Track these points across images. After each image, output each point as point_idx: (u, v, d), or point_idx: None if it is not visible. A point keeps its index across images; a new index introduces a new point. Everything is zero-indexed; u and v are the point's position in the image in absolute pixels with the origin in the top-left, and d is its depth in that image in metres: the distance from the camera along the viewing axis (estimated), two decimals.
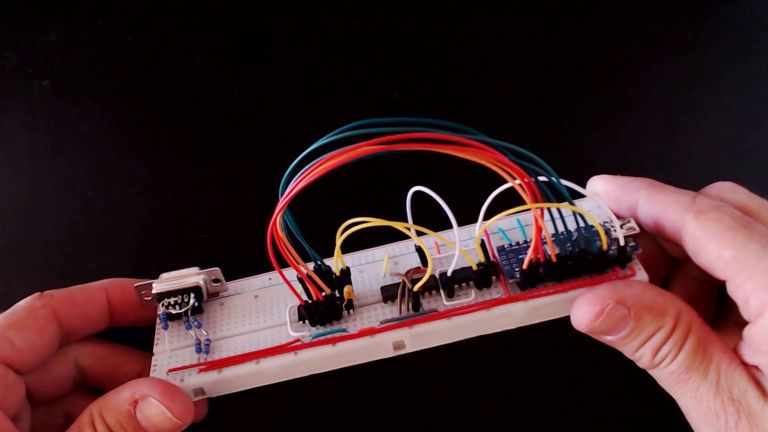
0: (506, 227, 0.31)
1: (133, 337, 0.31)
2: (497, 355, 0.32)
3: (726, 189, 0.29)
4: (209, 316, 0.31)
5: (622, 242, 0.28)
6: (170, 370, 0.29)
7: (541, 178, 0.25)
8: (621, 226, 0.28)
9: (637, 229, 0.28)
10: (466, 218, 0.29)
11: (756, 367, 0.25)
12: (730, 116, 0.35)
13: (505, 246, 0.30)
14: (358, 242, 0.29)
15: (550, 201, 0.26)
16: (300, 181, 0.25)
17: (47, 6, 0.36)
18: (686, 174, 0.34)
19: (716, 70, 0.35)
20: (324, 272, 0.29)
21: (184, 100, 0.35)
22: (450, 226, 0.26)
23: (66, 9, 0.36)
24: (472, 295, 0.29)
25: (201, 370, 0.29)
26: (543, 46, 0.35)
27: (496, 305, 0.28)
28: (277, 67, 0.35)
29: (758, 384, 0.25)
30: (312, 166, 0.25)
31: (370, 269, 0.31)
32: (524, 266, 0.27)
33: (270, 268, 0.28)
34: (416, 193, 0.27)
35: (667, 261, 0.31)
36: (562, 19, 0.35)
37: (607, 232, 0.28)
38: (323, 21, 0.35)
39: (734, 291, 0.26)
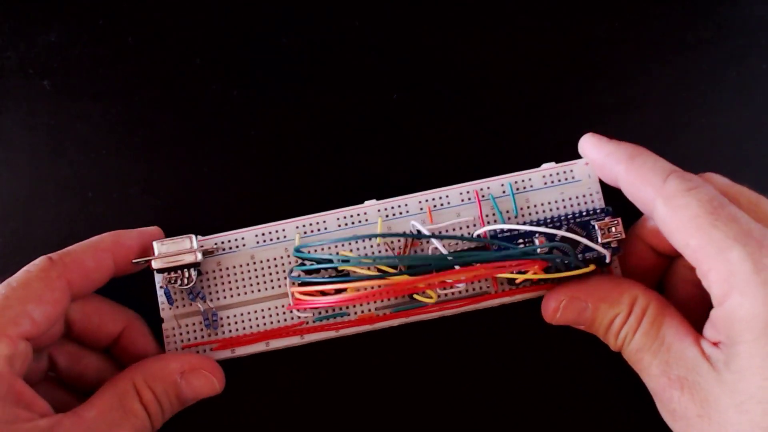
0: (497, 194, 0.32)
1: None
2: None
3: (713, 175, 0.30)
4: (207, 276, 0.32)
5: (601, 251, 0.30)
6: (185, 347, 0.32)
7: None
8: (608, 229, 0.30)
9: (622, 235, 0.30)
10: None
11: (716, 343, 0.26)
12: (730, 116, 0.35)
13: (497, 232, 0.31)
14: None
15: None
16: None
17: (47, 6, 0.36)
18: None
19: (716, 70, 0.35)
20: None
21: (184, 100, 0.35)
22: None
23: (66, 9, 0.36)
24: (461, 286, 0.31)
25: (215, 348, 0.32)
26: (543, 46, 0.35)
27: (486, 300, 0.31)
28: (277, 67, 0.35)
29: (709, 358, 0.26)
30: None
31: (364, 232, 0.32)
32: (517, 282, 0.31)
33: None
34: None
35: (659, 259, 0.31)
36: (562, 19, 0.35)
37: (592, 228, 0.31)
38: (323, 21, 0.35)
39: (701, 277, 0.26)
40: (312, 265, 0.31)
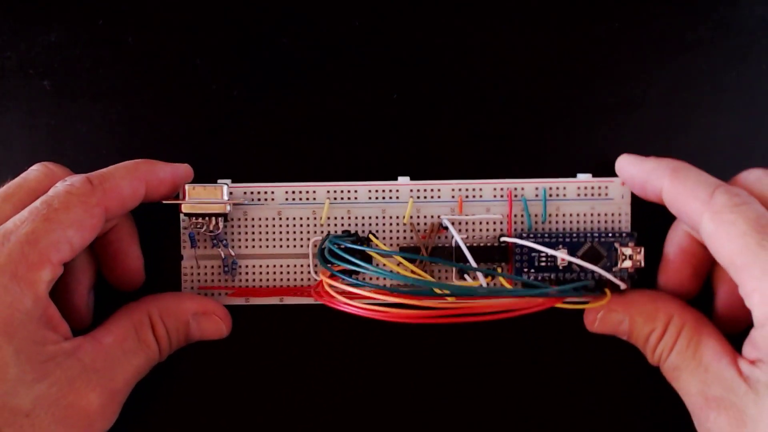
0: (530, 196, 0.33)
1: None
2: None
3: (755, 180, 0.29)
4: (232, 224, 0.33)
5: (616, 282, 0.31)
6: (201, 288, 0.33)
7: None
8: (629, 256, 0.31)
9: (641, 264, 0.31)
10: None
11: (754, 362, 0.26)
12: (730, 116, 0.35)
13: (523, 233, 0.32)
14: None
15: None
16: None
17: (47, 6, 0.36)
18: None
19: (716, 70, 0.35)
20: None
21: (184, 100, 0.35)
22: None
23: (66, 9, 0.36)
24: (481, 280, 0.31)
25: (230, 295, 0.33)
26: (543, 46, 0.35)
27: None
28: (277, 67, 0.35)
29: (747, 380, 0.26)
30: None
31: (393, 210, 0.33)
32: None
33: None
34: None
35: (707, 254, 0.31)
36: (562, 19, 0.35)
37: (614, 251, 0.31)
38: (323, 21, 0.35)
39: (743, 296, 0.26)
40: (338, 258, 0.30)
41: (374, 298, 0.28)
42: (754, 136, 0.35)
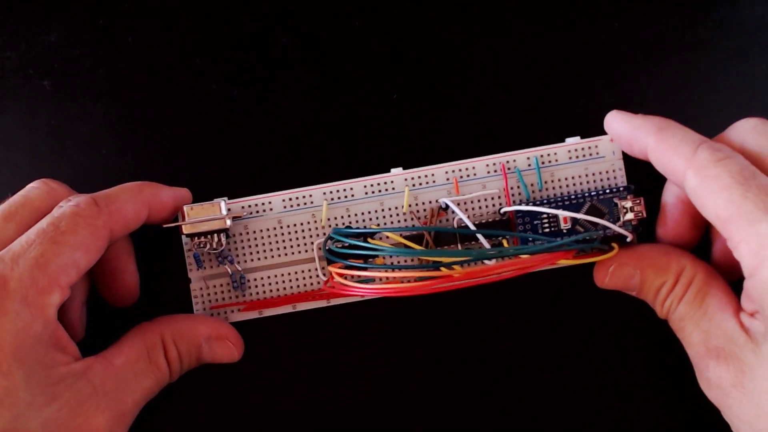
0: (523, 167, 0.33)
1: None
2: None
3: (747, 130, 0.29)
4: (235, 239, 0.33)
5: (622, 232, 0.31)
6: (213, 307, 0.33)
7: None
8: (630, 208, 0.31)
9: (644, 214, 0.31)
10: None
11: (753, 314, 0.27)
12: (730, 116, 0.35)
13: (522, 203, 0.32)
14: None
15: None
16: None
17: (47, 6, 0.36)
18: None
19: (716, 70, 0.35)
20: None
21: (184, 100, 0.35)
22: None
23: (66, 9, 0.36)
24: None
25: (243, 310, 0.32)
26: (543, 46, 0.35)
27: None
28: (277, 67, 0.35)
29: (747, 331, 0.27)
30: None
31: (391, 201, 0.32)
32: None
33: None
34: None
35: (698, 222, 0.31)
36: (561, 19, 0.35)
37: (614, 206, 0.31)
38: (323, 21, 0.35)
39: (732, 249, 0.26)
40: (347, 248, 0.30)
41: (394, 277, 0.29)
42: None
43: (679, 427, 0.33)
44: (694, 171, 0.27)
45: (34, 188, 0.30)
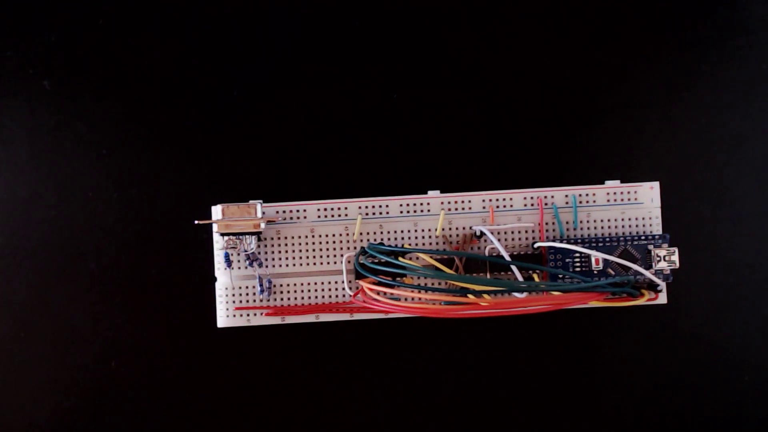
0: (560, 204, 0.33)
1: None
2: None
3: None
4: (265, 243, 0.33)
5: (654, 279, 0.31)
6: (237, 309, 0.32)
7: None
8: (663, 257, 0.31)
9: (676, 264, 0.31)
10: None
11: None
12: (730, 116, 0.35)
13: (556, 240, 0.32)
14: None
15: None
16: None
17: (47, 6, 0.36)
18: (686, 174, 0.34)
19: (716, 70, 0.35)
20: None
21: (184, 100, 0.35)
22: None
23: (66, 9, 0.36)
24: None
25: (267, 314, 0.32)
26: (543, 46, 0.35)
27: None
28: (277, 66, 0.35)
29: None
30: None
31: (425, 223, 0.33)
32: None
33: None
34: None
35: None
36: (561, 19, 0.35)
37: (648, 253, 0.32)
38: (323, 21, 0.35)
39: None
40: (380, 264, 0.30)
41: (421, 298, 0.29)
42: (754, 135, 0.35)
43: None
44: None
45: None
